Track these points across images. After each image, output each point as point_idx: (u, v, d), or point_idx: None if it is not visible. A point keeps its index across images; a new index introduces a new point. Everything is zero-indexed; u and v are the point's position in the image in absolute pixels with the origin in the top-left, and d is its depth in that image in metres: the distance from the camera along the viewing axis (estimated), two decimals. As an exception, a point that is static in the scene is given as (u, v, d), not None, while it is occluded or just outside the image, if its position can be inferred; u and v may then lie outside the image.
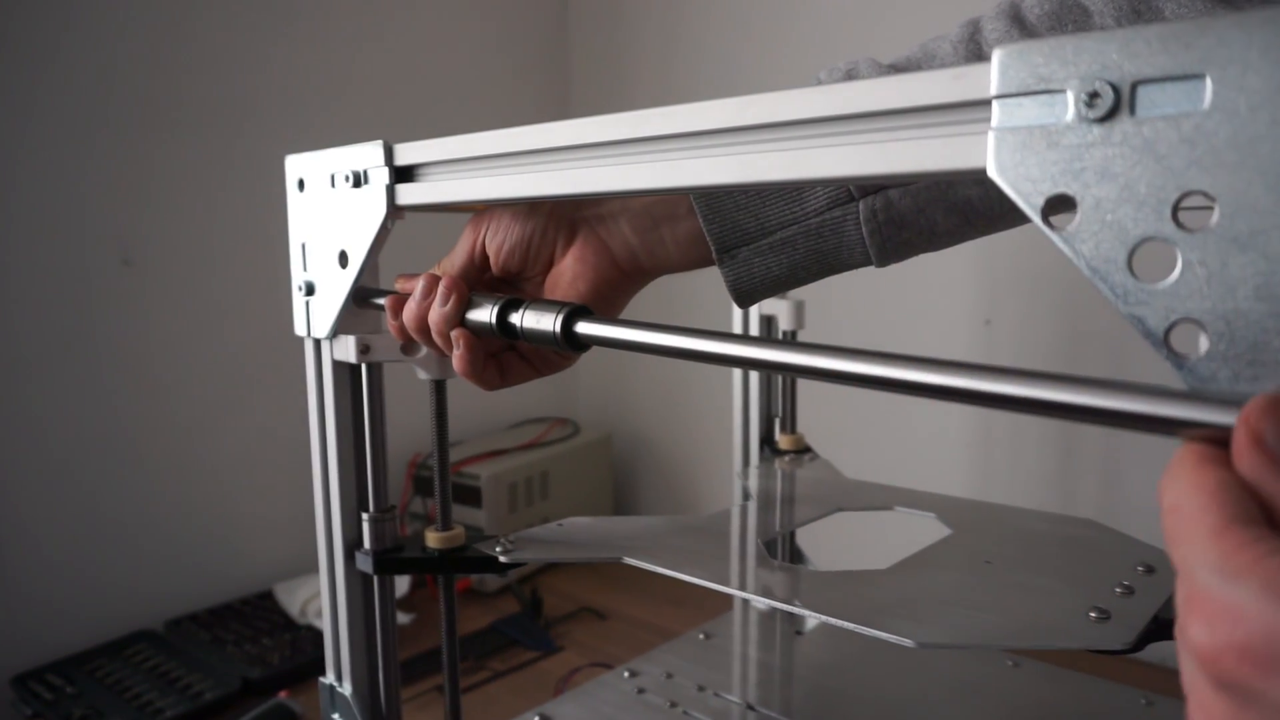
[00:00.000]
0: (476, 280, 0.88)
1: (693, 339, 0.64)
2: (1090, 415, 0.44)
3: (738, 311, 1.40)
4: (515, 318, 0.78)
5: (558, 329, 0.74)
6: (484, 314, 0.80)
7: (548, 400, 2.67)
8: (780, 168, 0.55)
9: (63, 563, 1.81)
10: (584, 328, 0.73)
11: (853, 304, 1.98)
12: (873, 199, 0.77)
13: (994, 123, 0.46)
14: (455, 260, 0.88)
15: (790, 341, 0.59)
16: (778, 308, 1.39)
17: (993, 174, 0.45)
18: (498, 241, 0.85)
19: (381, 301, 0.90)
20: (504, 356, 0.87)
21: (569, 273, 0.84)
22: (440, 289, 0.82)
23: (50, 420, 1.78)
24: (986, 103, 0.46)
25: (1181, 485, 0.38)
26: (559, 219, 0.85)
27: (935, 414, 1.96)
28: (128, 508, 1.89)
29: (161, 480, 1.94)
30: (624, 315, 0.86)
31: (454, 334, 0.82)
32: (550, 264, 0.86)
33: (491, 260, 0.86)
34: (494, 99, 2.49)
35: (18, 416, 1.75)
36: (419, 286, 0.84)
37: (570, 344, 0.75)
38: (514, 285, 0.89)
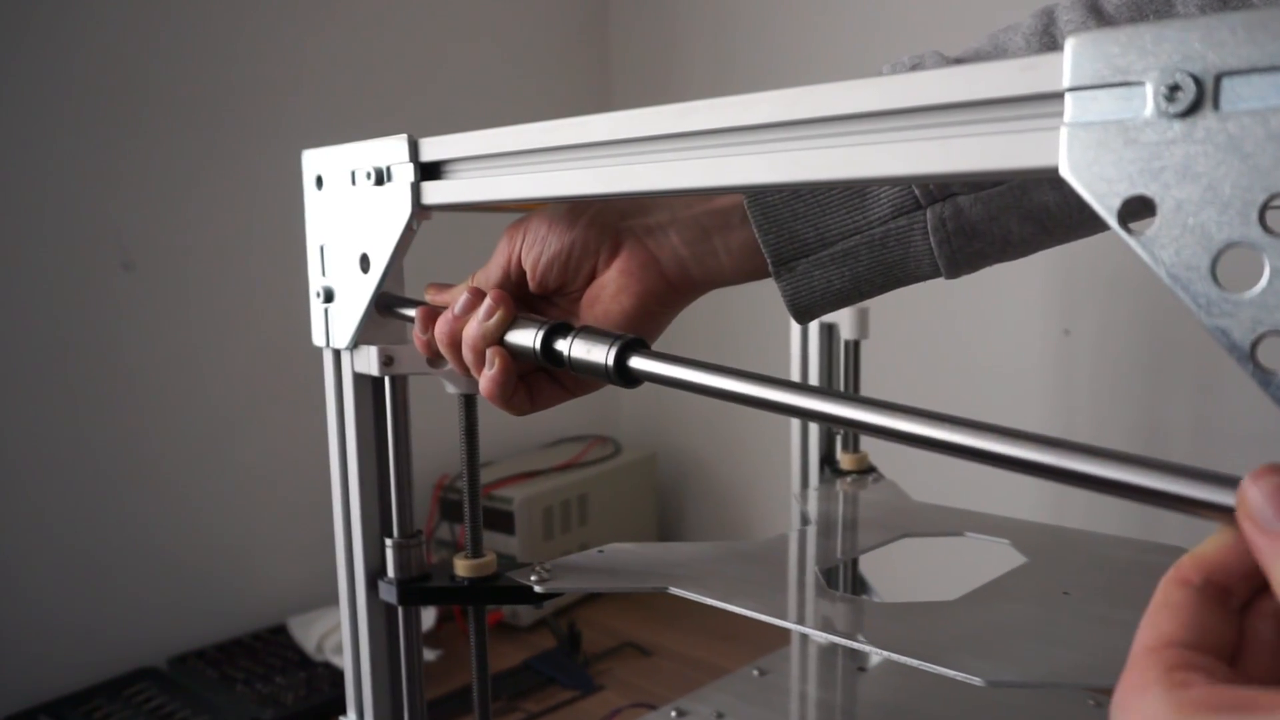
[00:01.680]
0: (510, 286, 0.88)
1: (755, 385, 0.65)
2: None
3: (795, 322, 1.40)
4: (562, 345, 0.78)
5: (610, 361, 0.74)
6: (527, 337, 0.80)
7: (587, 417, 2.67)
8: (835, 166, 0.55)
9: (57, 593, 1.82)
10: (639, 363, 0.74)
11: (920, 313, 1.98)
12: (941, 206, 0.77)
13: (1067, 118, 0.46)
14: (490, 274, 0.88)
15: (858, 397, 0.59)
16: (840, 316, 1.39)
17: (1065, 173, 0.46)
18: (535, 254, 0.85)
19: (409, 312, 0.90)
20: (532, 377, 0.87)
21: (612, 286, 0.84)
22: (487, 301, 0.82)
23: (44, 439, 1.79)
24: (1059, 96, 0.46)
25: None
26: (601, 229, 0.85)
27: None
28: (128, 534, 1.90)
29: (165, 504, 1.95)
30: (672, 338, 0.86)
31: (490, 351, 0.82)
32: (591, 277, 0.86)
33: (529, 274, 0.86)
34: (528, 90, 2.50)
35: (7, 434, 1.76)
36: (460, 300, 0.84)
37: (623, 379, 0.75)
38: (550, 302, 0.89)
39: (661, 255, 0.84)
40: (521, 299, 0.88)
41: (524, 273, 0.87)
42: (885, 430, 0.57)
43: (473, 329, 0.83)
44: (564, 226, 0.85)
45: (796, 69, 2.25)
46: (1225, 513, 0.43)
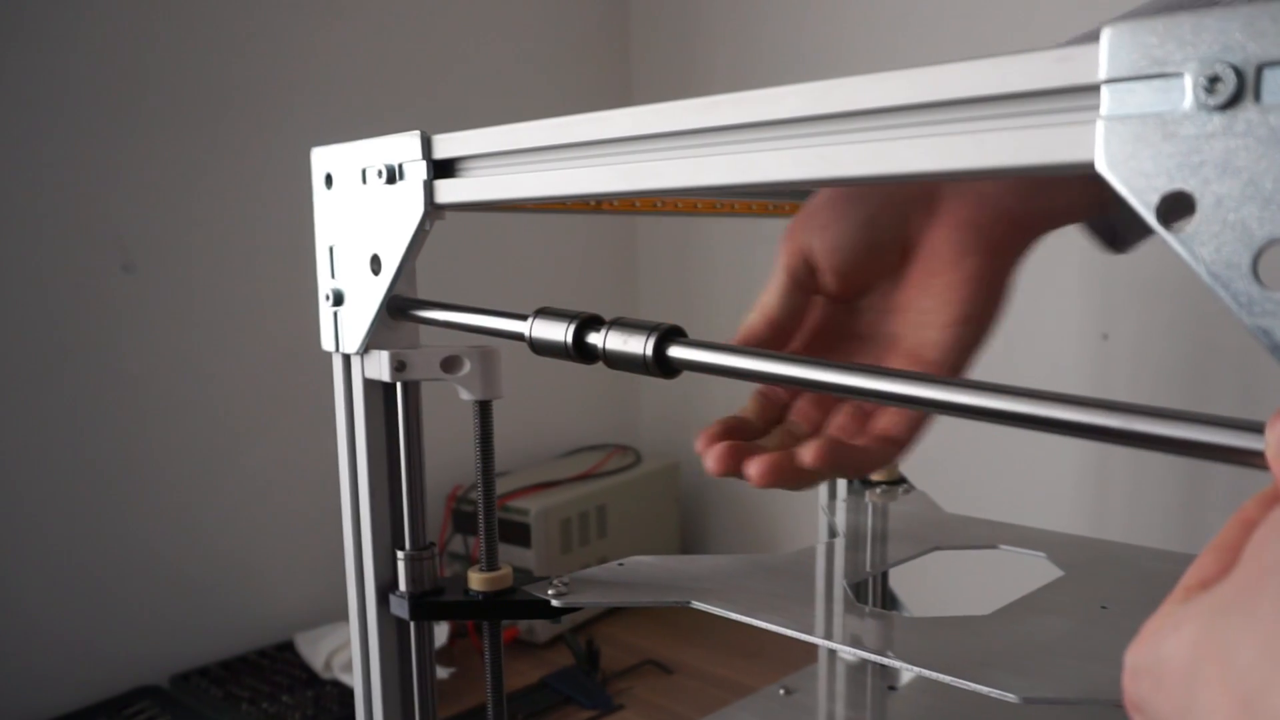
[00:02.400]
0: (800, 310, 0.80)
1: (804, 368, 0.64)
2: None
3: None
4: (596, 338, 0.78)
5: (648, 351, 0.74)
6: (556, 331, 0.80)
7: (606, 425, 2.68)
8: (865, 162, 0.55)
9: (54, 608, 1.83)
10: (680, 352, 0.73)
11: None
12: None
13: (1103, 110, 0.46)
14: (772, 294, 0.80)
15: (909, 373, 0.60)
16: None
17: (1101, 169, 0.46)
18: (831, 239, 0.77)
19: (423, 314, 0.91)
20: None
21: (945, 250, 0.74)
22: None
23: (41, 448, 1.80)
24: (1095, 88, 0.46)
25: None
26: (905, 191, 0.76)
27: (1045, 441, 1.96)
28: (128, 546, 1.91)
29: (167, 515, 1.95)
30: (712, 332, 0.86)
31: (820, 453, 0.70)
32: (906, 253, 0.76)
33: (828, 272, 0.78)
34: (545, 85, 2.50)
35: (3, 443, 1.77)
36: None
37: (662, 369, 0.75)
38: (857, 311, 0.81)
39: (1000, 194, 0.74)
40: (827, 327, 0.81)
41: (819, 278, 0.79)
42: (939, 404, 0.57)
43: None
44: (855, 196, 0.77)
45: (824, 60, 2.25)
46: (1260, 457, 0.44)
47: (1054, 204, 0.75)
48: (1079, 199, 0.75)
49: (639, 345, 0.74)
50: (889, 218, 0.75)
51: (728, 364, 0.69)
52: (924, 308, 0.75)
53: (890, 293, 0.78)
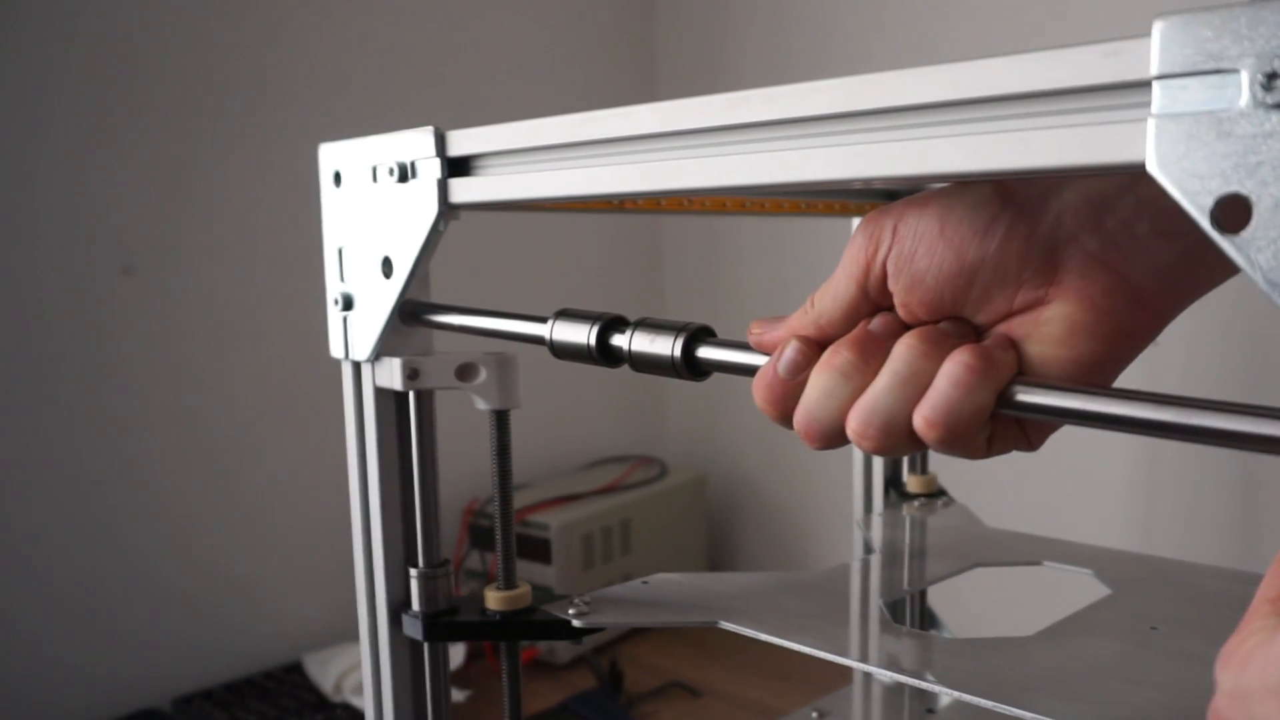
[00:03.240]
0: (865, 317, 0.69)
1: None
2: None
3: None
4: (621, 340, 0.78)
5: (676, 353, 0.74)
6: (578, 333, 0.80)
7: (629, 435, 2.68)
8: (902, 161, 0.55)
9: (50, 628, 1.83)
10: (710, 353, 0.74)
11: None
12: None
13: (1154, 108, 0.45)
14: (836, 294, 0.70)
15: None
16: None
17: (1152, 169, 0.46)
18: (914, 269, 0.66)
19: (437, 319, 0.91)
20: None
21: (1056, 324, 0.64)
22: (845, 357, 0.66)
23: (35, 459, 1.80)
24: (1145, 84, 0.46)
25: None
26: (1028, 240, 0.64)
27: (1092, 451, 1.95)
28: (128, 562, 1.91)
29: (169, 530, 1.95)
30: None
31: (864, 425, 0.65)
32: (1008, 310, 0.66)
33: (902, 299, 0.67)
34: (566, 78, 2.50)
35: None
36: (785, 355, 0.69)
37: (691, 371, 0.75)
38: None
39: (1132, 271, 0.63)
40: (886, 328, 0.70)
41: (898, 301, 0.68)
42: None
43: (817, 408, 0.67)
44: (967, 230, 0.65)
45: (860, 54, 2.25)
46: None
47: (1204, 283, 0.65)
48: (1226, 270, 0.63)
49: (667, 346, 0.74)
50: (994, 272, 0.64)
51: (761, 365, 0.69)
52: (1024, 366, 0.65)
53: (975, 332, 0.68)
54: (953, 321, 0.66)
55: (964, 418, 0.61)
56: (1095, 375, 0.64)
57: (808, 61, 2.35)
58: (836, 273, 0.69)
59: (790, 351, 0.68)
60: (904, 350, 0.63)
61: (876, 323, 0.67)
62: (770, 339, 0.71)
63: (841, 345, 0.66)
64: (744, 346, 0.71)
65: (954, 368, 0.61)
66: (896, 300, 0.67)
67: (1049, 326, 0.64)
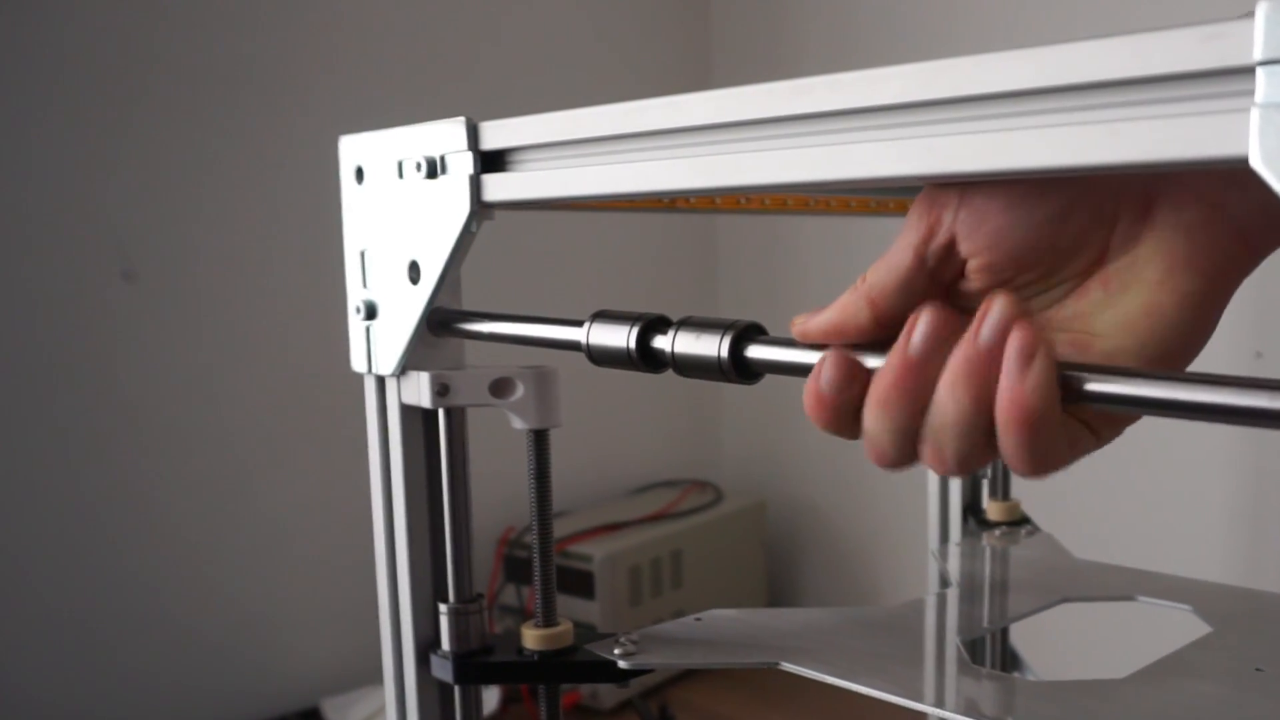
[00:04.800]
0: (917, 303, 0.66)
1: None
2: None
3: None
4: (663, 342, 0.77)
5: (723, 352, 0.73)
6: (616, 336, 0.80)
7: (681, 457, 2.68)
8: (980, 155, 0.55)
9: (46, 670, 1.84)
10: (760, 352, 0.72)
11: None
12: None
13: (1258, 97, 0.45)
14: (891, 264, 0.69)
15: None
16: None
17: (1256, 164, 0.45)
18: (996, 227, 0.66)
19: (469, 327, 0.91)
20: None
21: (1154, 262, 0.64)
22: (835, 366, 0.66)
23: (29, 482, 1.81)
24: (1248, 70, 0.45)
25: None
26: (1121, 180, 0.65)
27: (1190, 475, 1.94)
28: (130, 598, 1.92)
29: (175, 562, 1.96)
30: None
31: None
32: (1099, 260, 0.66)
33: (978, 273, 0.68)
34: (611, 64, 2.50)
35: (-7, 476, 1.78)
36: (827, 371, 0.67)
37: (739, 372, 0.73)
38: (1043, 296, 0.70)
39: (1228, 201, 0.63)
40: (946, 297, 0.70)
41: (956, 259, 0.68)
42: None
43: (880, 441, 0.66)
44: (1037, 182, 0.65)
45: (932, 37, 2.25)
46: None
47: None
48: None
49: (713, 345, 0.73)
50: (1085, 217, 0.64)
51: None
52: (1101, 332, 0.65)
53: (1053, 305, 0.68)
54: (1007, 303, 0.62)
55: (1039, 408, 0.59)
56: (1200, 317, 0.64)
57: (876, 45, 2.35)
58: (892, 246, 0.69)
59: (829, 370, 0.66)
60: (960, 363, 0.62)
61: (917, 342, 0.63)
62: (815, 326, 0.70)
63: (889, 386, 0.64)
64: (799, 344, 0.70)
65: (1012, 361, 0.59)
66: (973, 265, 0.67)
67: (1147, 268, 0.64)
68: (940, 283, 0.68)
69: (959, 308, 0.67)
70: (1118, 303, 0.64)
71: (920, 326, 0.62)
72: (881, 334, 0.68)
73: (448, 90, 2.20)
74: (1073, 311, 0.66)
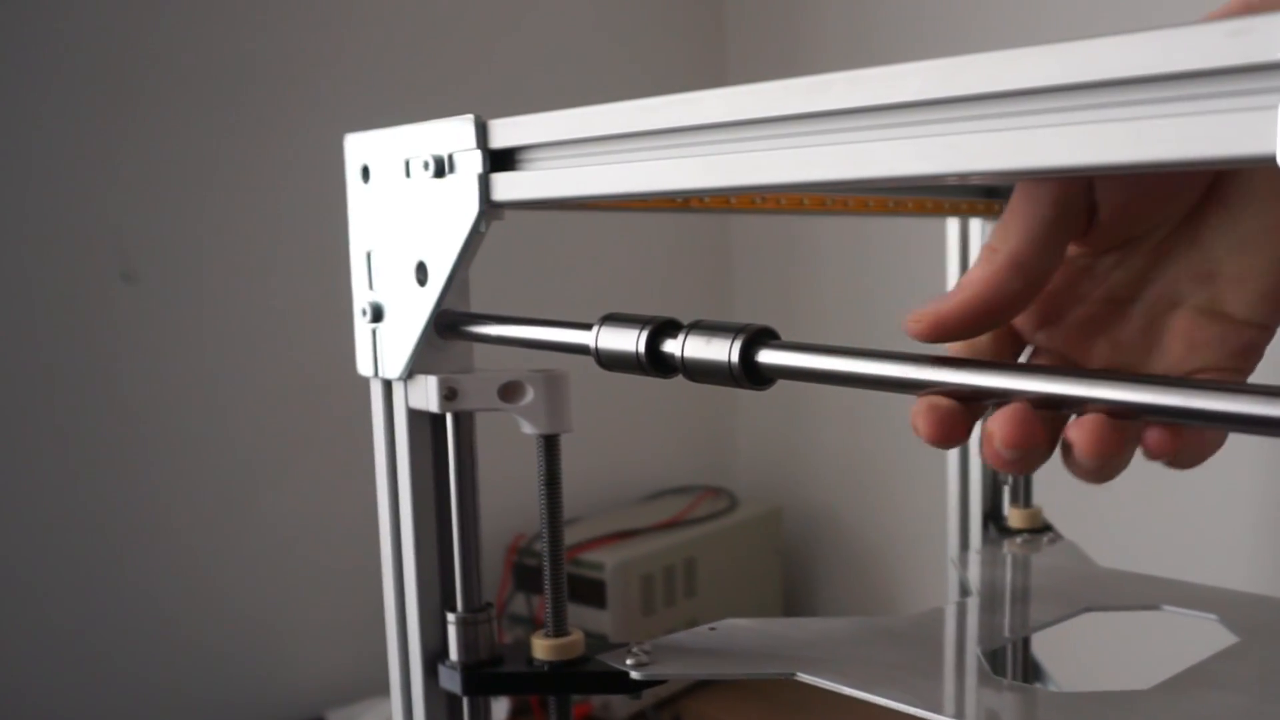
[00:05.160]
0: (1055, 262, 0.67)
1: (959, 371, 0.63)
2: None
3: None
4: (673, 346, 0.77)
5: (734, 357, 0.72)
6: (625, 340, 0.79)
7: (694, 463, 2.68)
8: (1001, 154, 0.55)
9: (43, 681, 1.84)
10: (772, 356, 0.72)
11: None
12: None
13: None
14: (1027, 232, 0.66)
15: (1090, 371, 0.59)
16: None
17: (1285, 163, 0.45)
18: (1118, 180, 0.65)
19: (478, 330, 0.91)
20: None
21: (1258, 208, 0.63)
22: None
23: (23, 489, 1.81)
24: (1276, 67, 0.45)
25: None
26: None
27: (1216, 481, 1.94)
28: (129, 606, 1.92)
29: (175, 570, 1.96)
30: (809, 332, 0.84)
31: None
32: (1209, 193, 0.66)
33: (1108, 207, 0.66)
34: (624, 60, 2.50)
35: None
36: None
37: (750, 377, 0.73)
38: (1094, 272, 0.71)
39: None
40: (1065, 294, 0.71)
41: (1088, 212, 0.67)
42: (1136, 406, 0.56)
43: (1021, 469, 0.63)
44: None
45: (953, 34, 2.25)
46: None
47: None
48: None
49: (723, 350, 0.73)
50: None
51: (836, 368, 0.68)
52: (1224, 268, 0.65)
53: (1167, 248, 0.67)
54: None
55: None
56: None
57: (897, 41, 2.35)
58: (1016, 208, 0.66)
59: (1015, 431, 0.60)
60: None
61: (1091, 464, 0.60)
62: (954, 310, 0.65)
63: (1012, 450, 0.60)
64: (813, 348, 0.69)
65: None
66: (1106, 208, 0.66)
67: (1250, 205, 0.63)
68: (1074, 234, 0.67)
69: (1084, 260, 0.69)
70: (1240, 233, 0.64)
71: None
72: (1026, 292, 0.66)
73: (456, 87, 2.20)
74: (1194, 256, 0.66)
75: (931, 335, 0.66)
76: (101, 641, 1.88)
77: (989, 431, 0.60)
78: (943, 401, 0.63)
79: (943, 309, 0.65)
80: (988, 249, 0.66)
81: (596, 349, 0.82)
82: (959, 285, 0.66)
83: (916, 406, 0.63)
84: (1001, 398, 0.60)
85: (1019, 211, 0.65)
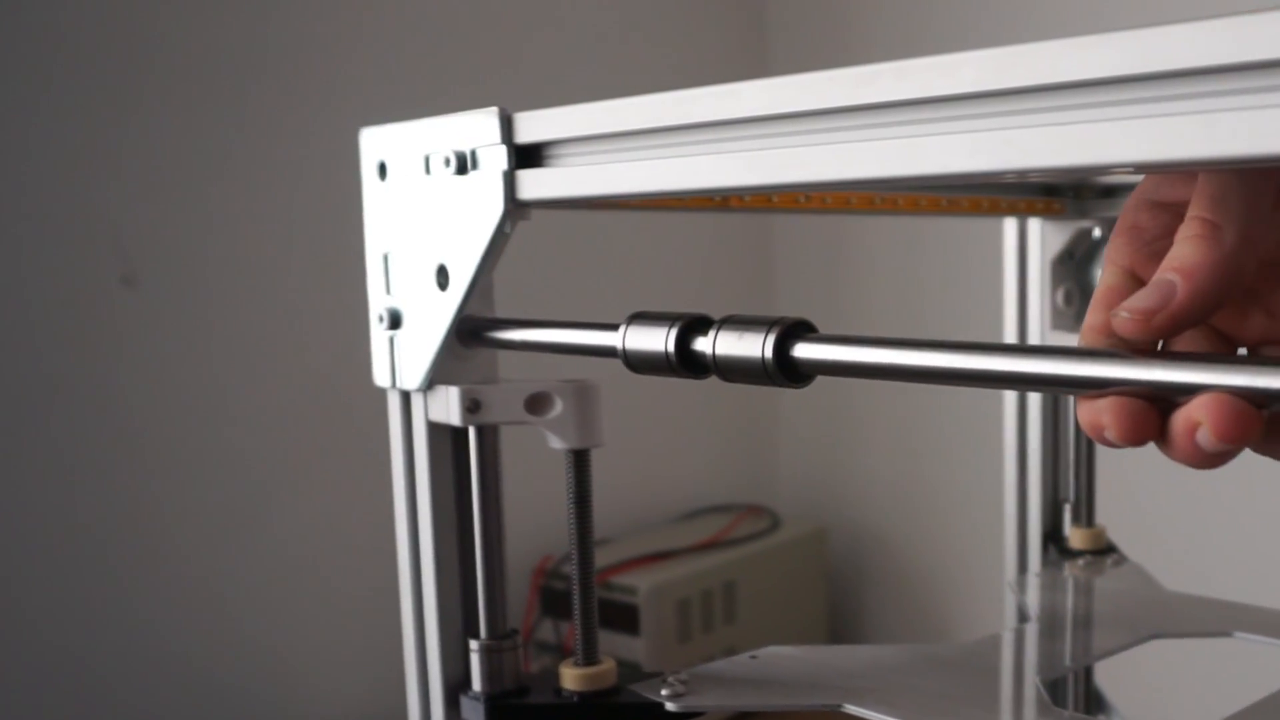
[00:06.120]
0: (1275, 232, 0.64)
1: (1003, 357, 0.62)
2: None
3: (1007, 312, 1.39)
4: (704, 344, 0.77)
5: (768, 351, 0.72)
6: (654, 339, 0.79)
7: (734, 480, 2.68)
8: (1063, 150, 0.55)
9: (43, 708, 1.84)
10: (808, 350, 0.71)
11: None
12: None
13: None
14: (1250, 196, 0.62)
15: (1174, 355, 0.57)
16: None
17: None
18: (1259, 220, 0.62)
19: (503, 336, 0.91)
20: None
21: None
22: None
23: (19, 507, 1.81)
24: None
25: None
26: None
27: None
28: (131, 634, 1.92)
29: (179, 595, 1.96)
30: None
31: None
32: None
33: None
34: (657, 50, 2.50)
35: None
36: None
37: (785, 373, 0.72)
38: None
39: None
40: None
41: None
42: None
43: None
44: None
45: (1010, 21, 2.25)
46: None
47: None
48: None
49: (756, 345, 0.72)
50: None
51: (881, 360, 0.67)
52: None
53: None
54: None
55: None
56: None
57: (949, 28, 2.35)
58: (1226, 183, 0.61)
59: (1235, 425, 0.55)
60: None
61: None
62: (1183, 303, 0.60)
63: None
64: (854, 340, 0.69)
65: None
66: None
67: None
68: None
69: None
70: None
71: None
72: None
73: (479, 78, 2.20)
74: None
75: (1161, 331, 0.62)
76: (100, 669, 1.89)
77: (1190, 422, 0.56)
78: (1127, 399, 0.59)
79: (1175, 302, 0.60)
80: (1206, 226, 0.61)
81: (624, 349, 0.81)
82: (1180, 271, 0.61)
83: (1099, 404, 0.60)
84: (1187, 391, 0.56)
85: (1237, 184, 0.61)
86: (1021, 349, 0.62)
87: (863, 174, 0.64)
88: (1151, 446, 0.58)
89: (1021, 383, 0.63)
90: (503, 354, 0.95)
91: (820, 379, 0.72)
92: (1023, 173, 0.58)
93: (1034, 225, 1.35)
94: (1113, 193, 1.28)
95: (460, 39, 2.19)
